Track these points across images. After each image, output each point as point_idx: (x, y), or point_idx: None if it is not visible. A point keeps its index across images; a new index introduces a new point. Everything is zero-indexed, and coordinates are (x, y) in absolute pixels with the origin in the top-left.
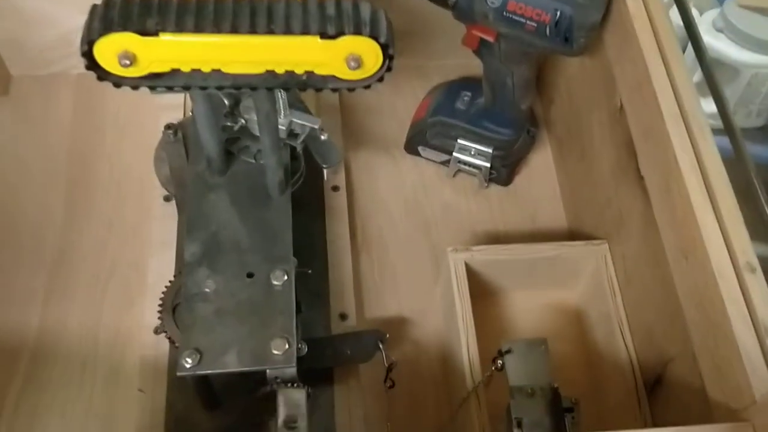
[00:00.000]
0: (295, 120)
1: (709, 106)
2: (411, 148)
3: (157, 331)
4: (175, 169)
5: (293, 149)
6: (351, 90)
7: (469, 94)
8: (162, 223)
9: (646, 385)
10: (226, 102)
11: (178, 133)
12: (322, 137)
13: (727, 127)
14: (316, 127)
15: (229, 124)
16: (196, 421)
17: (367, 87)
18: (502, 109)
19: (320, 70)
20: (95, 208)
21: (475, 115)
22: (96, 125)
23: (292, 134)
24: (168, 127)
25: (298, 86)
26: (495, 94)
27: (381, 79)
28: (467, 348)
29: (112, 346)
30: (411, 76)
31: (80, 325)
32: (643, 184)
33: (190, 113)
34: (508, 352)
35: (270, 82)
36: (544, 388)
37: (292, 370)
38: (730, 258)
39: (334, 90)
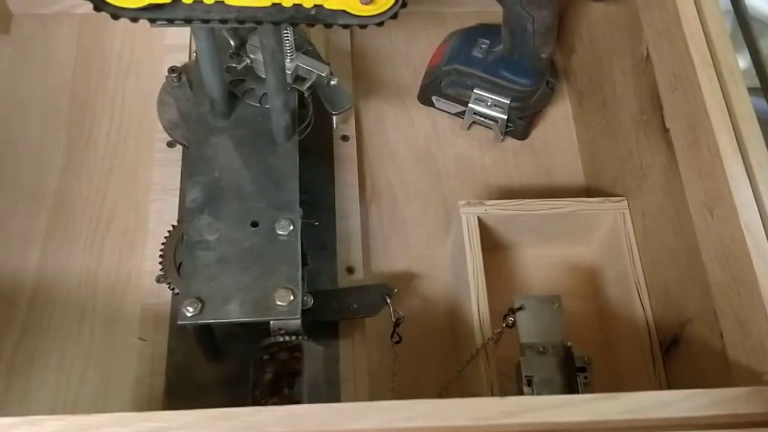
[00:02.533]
0: (301, 65)
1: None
2: (424, 97)
3: (159, 280)
4: (184, 114)
5: (301, 95)
6: (363, 27)
7: (487, 41)
8: (164, 168)
9: (662, 346)
10: (231, 42)
11: (182, 77)
12: (332, 82)
13: (763, 83)
14: (323, 74)
15: (233, 65)
16: (197, 370)
17: (380, 24)
18: (522, 58)
19: (330, 4)
20: (96, 151)
21: (493, 63)
22: (99, 66)
23: (299, 79)
24: (171, 70)
25: (305, 21)
26: (514, 42)
27: (395, 16)
28: (477, 304)
29: (112, 292)
30: (426, 22)
31: (80, 271)
32: (668, 136)
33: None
34: (520, 308)
35: (276, 16)
36: (557, 346)
37: (296, 322)
38: (759, 212)
39: (345, 27)
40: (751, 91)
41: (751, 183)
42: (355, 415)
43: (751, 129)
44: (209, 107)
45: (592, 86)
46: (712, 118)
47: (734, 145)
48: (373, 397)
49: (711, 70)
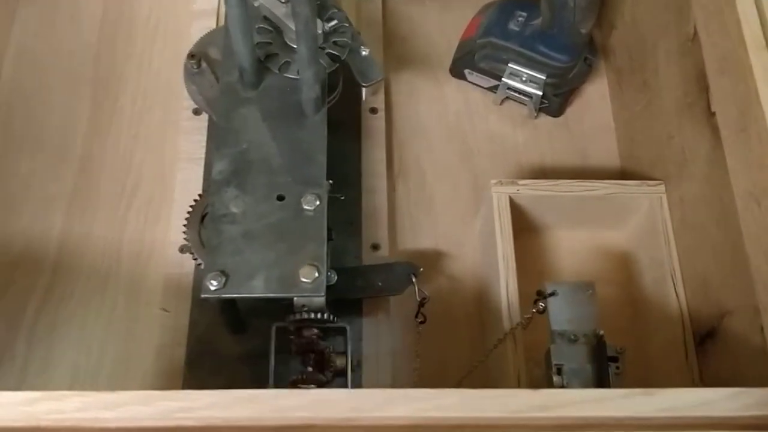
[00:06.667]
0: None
1: None
2: (457, 71)
3: (182, 250)
4: (213, 100)
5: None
6: None
7: (524, 14)
8: (190, 137)
9: (696, 338)
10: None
11: (202, 63)
12: (363, 52)
13: None
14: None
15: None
16: (218, 342)
17: None
18: (560, 33)
19: None
20: (122, 117)
21: (530, 37)
22: (125, 30)
23: (338, 44)
24: (191, 56)
25: None
26: (553, 15)
27: None
28: (506, 287)
29: (136, 261)
30: None
31: (103, 239)
32: (714, 121)
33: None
34: (552, 294)
35: None
36: (588, 335)
37: (320, 300)
38: None
39: None
40: None
41: None
42: (383, 402)
43: None
44: (238, 76)
45: (633, 65)
46: (765, 106)
47: None
48: (395, 377)
49: (765, 54)
